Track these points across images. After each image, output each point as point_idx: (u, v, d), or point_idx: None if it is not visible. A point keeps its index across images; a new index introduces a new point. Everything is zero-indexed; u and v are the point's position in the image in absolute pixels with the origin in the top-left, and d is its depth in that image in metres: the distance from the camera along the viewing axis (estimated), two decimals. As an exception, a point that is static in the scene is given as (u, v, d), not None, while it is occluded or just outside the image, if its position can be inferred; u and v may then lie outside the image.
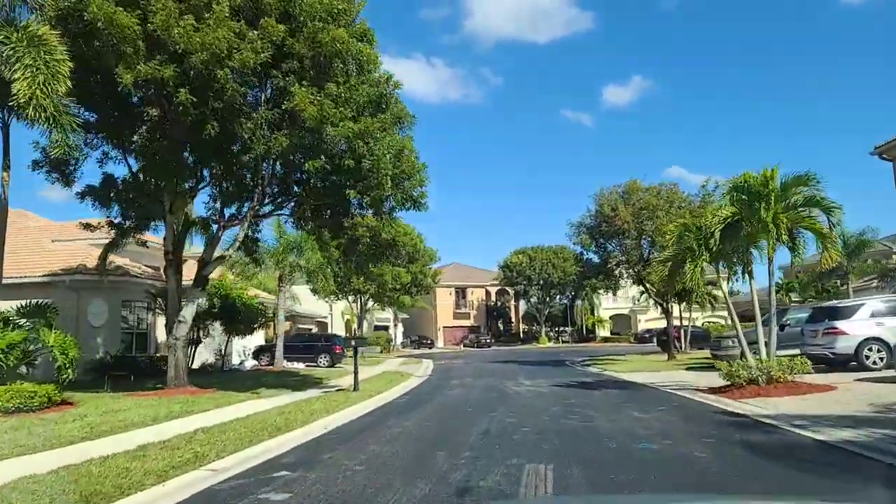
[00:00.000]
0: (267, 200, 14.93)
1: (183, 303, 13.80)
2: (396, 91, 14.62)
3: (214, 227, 15.68)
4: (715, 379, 16.83)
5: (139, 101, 12.05)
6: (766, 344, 14.10)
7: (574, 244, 27.07)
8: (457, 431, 9.01)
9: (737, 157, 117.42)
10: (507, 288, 69.21)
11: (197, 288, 14.19)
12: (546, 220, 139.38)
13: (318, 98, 12.08)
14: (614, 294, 28.71)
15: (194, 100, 10.71)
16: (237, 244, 14.66)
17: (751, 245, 14.36)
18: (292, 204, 15.52)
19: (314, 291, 39.43)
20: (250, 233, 17.92)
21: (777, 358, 13.88)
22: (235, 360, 26.84)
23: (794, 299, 56.67)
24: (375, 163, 12.97)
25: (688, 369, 21.61)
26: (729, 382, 13.82)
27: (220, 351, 23.02)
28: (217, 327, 22.80)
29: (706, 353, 33.62)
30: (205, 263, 14.59)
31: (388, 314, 60.25)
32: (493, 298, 73.70)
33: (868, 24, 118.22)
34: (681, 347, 35.20)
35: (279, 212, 15.93)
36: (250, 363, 26.96)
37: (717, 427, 9.08)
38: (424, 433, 9.02)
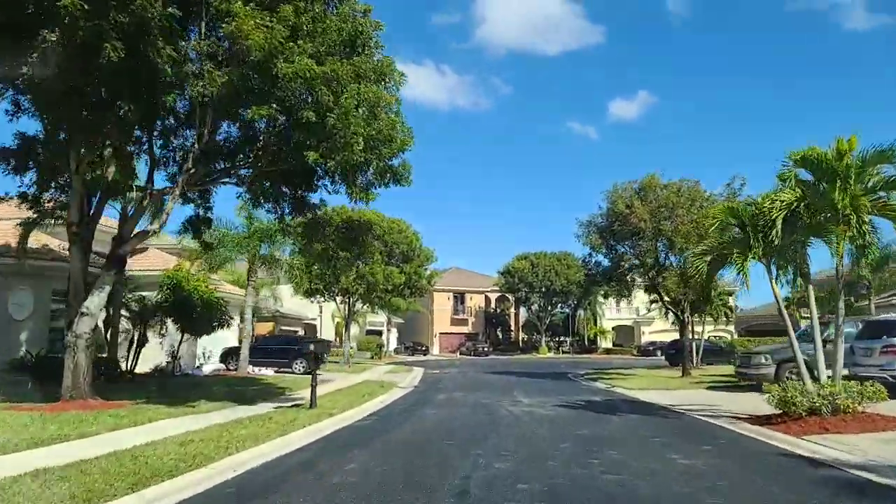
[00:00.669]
0: (212, 165, 11.95)
1: (93, 291, 10.83)
2: (378, 33, 11.65)
3: (153, 197, 12.62)
4: (749, 402, 14.04)
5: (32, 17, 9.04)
6: (818, 362, 11.06)
7: (583, 244, 24.18)
8: (418, 488, 5.99)
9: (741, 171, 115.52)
10: (507, 294, 66.19)
11: (109, 272, 11.21)
12: (549, 229, 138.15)
13: (269, 22, 9.17)
14: (627, 300, 25.86)
15: (84, 6, 7.77)
16: (165, 216, 11.61)
17: (812, 238, 11.36)
18: (243, 172, 12.47)
19: (297, 289, 36.47)
20: (202, 212, 15.01)
21: (843, 383, 10.85)
22: (197, 363, 23.82)
23: (804, 315, 53.41)
24: (342, 117, 10.00)
25: (709, 388, 18.57)
26: (780, 411, 10.84)
27: (173, 352, 20.01)
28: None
29: (721, 369, 30.65)
30: (121, 241, 11.65)
31: (381, 318, 57.28)
32: (493, 305, 70.64)
33: (871, 44, 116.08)
34: (693, 362, 32.14)
35: (226, 179, 12.89)
36: (211, 367, 23.98)
37: (806, 488, 6.09)
38: (366, 488, 6.00)
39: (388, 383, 21.42)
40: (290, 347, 26.67)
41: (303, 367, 26.28)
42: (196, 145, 10.68)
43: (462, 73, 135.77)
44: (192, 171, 10.98)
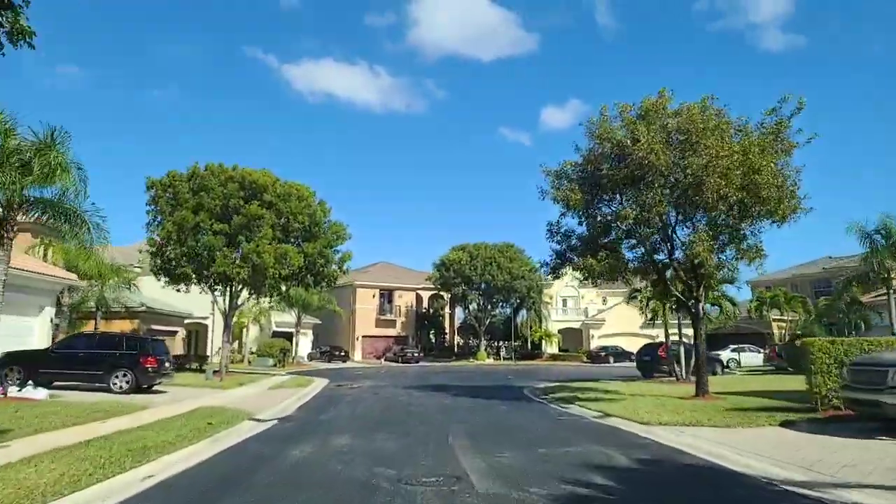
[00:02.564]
0: None
1: None
2: None
3: None
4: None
5: None
6: None
7: (554, 202, 16.07)
8: None
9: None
10: (441, 293, 58.04)
11: None
12: (489, 232, 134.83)
13: None
14: (626, 282, 17.70)
15: None
16: None
17: None
18: None
19: (153, 271, 27.03)
20: None
21: None
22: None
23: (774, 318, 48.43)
24: None
25: (785, 424, 10.67)
26: None
27: None
28: None
29: (726, 381, 23.59)
30: None
31: (292, 318, 47.84)
32: (426, 304, 62.33)
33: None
34: (683, 373, 24.90)
35: None
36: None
37: None
38: None
39: (236, 413, 12.68)
40: (105, 353, 17.33)
41: (127, 382, 17.08)
42: None
43: (396, 76, 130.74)
44: None
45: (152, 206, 26.29)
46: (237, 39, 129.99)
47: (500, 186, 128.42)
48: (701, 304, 16.12)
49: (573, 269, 17.88)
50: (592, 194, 15.95)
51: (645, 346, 30.02)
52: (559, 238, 17.73)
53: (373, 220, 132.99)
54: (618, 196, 15.73)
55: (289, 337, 46.81)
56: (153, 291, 37.77)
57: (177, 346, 37.90)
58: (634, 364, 46.23)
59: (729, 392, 16.90)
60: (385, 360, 53.54)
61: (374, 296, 58.06)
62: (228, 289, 27.48)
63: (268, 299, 34.48)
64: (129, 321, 32.40)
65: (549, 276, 18.16)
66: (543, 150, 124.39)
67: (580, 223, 16.82)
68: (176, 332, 38.29)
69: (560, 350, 57.63)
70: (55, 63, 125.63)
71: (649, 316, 27.94)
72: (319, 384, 24.25)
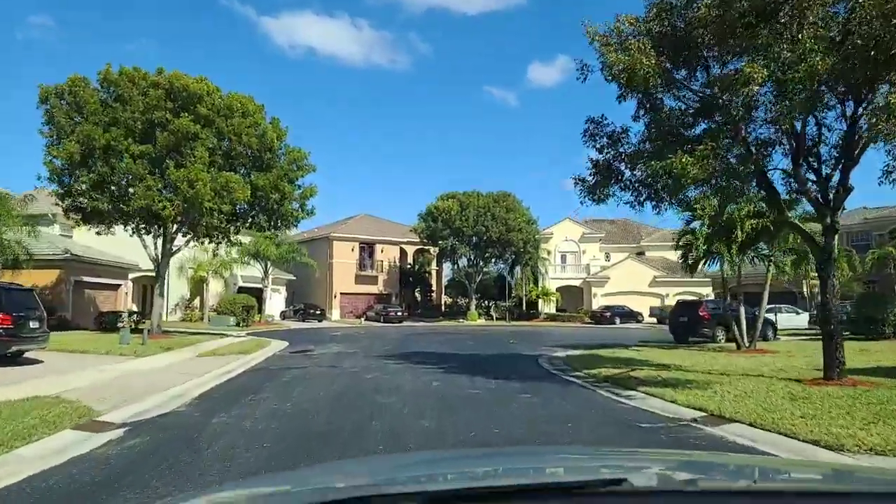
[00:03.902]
0: None
1: None
2: None
3: None
4: None
5: None
6: None
7: (610, 74, 10.20)
8: None
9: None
10: (428, 247, 52.39)
11: None
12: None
13: None
14: (732, 197, 11.49)
15: None
16: None
17: None
18: None
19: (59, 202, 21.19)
20: None
21: None
22: None
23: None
24: None
25: None
26: None
27: None
28: None
29: (788, 344, 18.38)
30: None
31: (259, 272, 41.97)
32: (411, 260, 56.70)
33: None
34: (741, 338, 19.52)
35: None
36: None
37: None
38: None
39: (63, 414, 7.06)
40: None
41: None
42: None
43: (379, 29, 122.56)
44: None
45: (49, 126, 20.09)
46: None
47: (489, 144, 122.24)
48: (836, 237, 10.43)
49: (623, 190, 12.13)
50: (675, 58, 10.14)
51: (680, 303, 24.72)
52: (605, 141, 11.99)
53: (356, 176, 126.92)
54: (724, 56, 9.88)
55: (258, 294, 41.03)
56: (92, 239, 31.87)
57: (119, 302, 32.09)
58: (653, 324, 42.08)
59: (860, 369, 11.46)
60: (365, 319, 48.15)
61: (353, 249, 52.25)
62: (159, 230, 21.58)
63: (223, 246, 28.52)
64: (51, 272, 26.45)
65: (587, 200, 12.47)
66: (530, 109, 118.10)
67: (646, 110, 11.05)
68: (118, 286, 32.43)
69: (558, 310, 52.56)
70: (26, 14, 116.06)
71: (698, 261, 21.32)
72: (271, 350, 18.74)
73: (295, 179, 22.73)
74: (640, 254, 56.06)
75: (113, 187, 19.88)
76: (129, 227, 21.59)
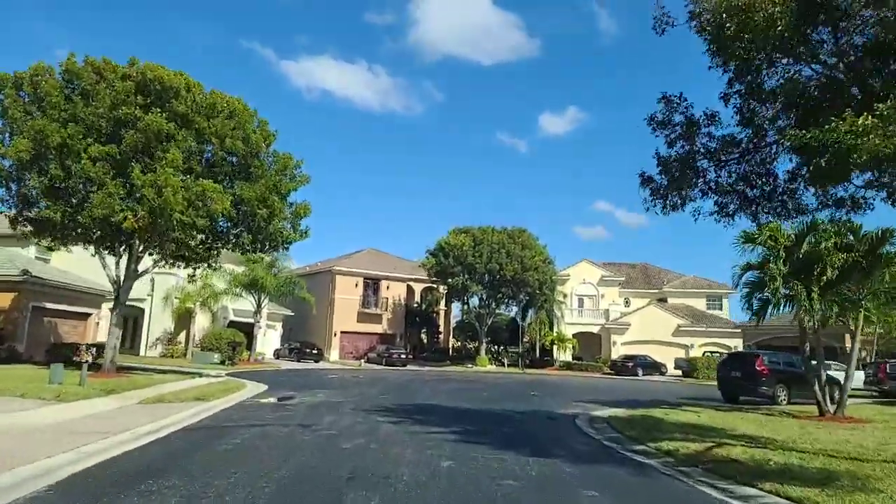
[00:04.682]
0: None
1: None
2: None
3: None
4: None
5: None
6: None
7: (704, 30, 7.13)
8: None
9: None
10: (437, 284, 48.95)
11: None
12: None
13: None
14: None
15: None
16: None
17: None
18: None
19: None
20: None
21: None
22: None
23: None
24: None
25: None
26: None
27: None
28: None
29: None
30: None
31: (251, 304, 38.50)
32: (418, 298, 53.20)
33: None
34: (824, 401, 15.69)
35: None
36: None
37: None
38: None
39: None
40: None
41: None
42: None
43: (395, 76, 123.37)
44: None
45: (1, 121, 17.20)
46: (235, 31, 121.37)
47: (499, 190, 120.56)
48: None
49: (706, 195, 8.78)
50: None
51: (732, 355, 20.98)
52: (680, 129, 8.74)
53: (364, 213, 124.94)
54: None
55: (250, 329, 37.49)
56: (73, 263, 28.75)
57: (88, 334, 28.67)
58: (679, 378, 37.61)
59: None
60: (366, 361, 44.37)
61: (356, 285, 48.84)
62: (122, 246, 18.39)
63: (204, 273, 25.24)
64: (4, 295, 23.19)
65: (656, 206, 9.14)
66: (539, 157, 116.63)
67: (748, 83, 7.82)
68: (88, 316, 29.05)
69: (574, 358, 48.57)
70: (53, 48, 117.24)
71: (765, 306, 17.04)
72: (240, 395, 15.24)
73: (285, 192, 19.56)
74: (662, 300, 52.33)
75: (67, 192, 16.75)
76: (88, 245, 18.41)
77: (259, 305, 36.98)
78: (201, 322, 37.80)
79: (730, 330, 46.30)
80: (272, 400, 14.99)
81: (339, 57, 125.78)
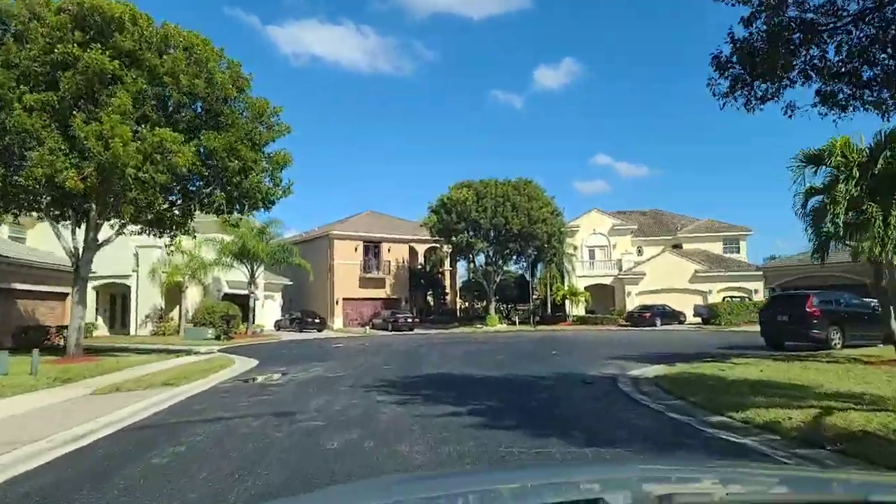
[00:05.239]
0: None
1: None
2: None
3: None
4: None
5: None
6: None
7: None
8: None
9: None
10: (440, 244, 46.68)
11: None
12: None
13: None
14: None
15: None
16: None
17: None
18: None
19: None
20: None
21: None
22: None
23: None
24: None
25: None
26: None
27: None
28: None
29: None
30: None
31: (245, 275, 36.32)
32: (421, 260, 51.01)
33: None
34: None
35: None
36: None
37: None
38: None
39: None
40: None
41: None
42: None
43: (384, 36, 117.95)
44: None
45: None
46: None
47: (497, 146, 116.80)
48: None
49: (818, 75, 6.31)
50: None
51: (777, 297, 18.66)
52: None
53: (361, 177, 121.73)
54: None
55: (246, 301, 35.36)
56: (53, 243, 26.43)
57: (66, 315, 26.54)
58: (699, 326, 35.45)
59: None
60: (371, 327, 42.52)
61: (356, 249, 46.57)
62: (77, 213, 16.04)
63: (182, 240, 22.94)
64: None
65: (736, 99, 6.72)
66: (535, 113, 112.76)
67: None
68: (66, 295, 26.88)
69: (587, 312, 46.55)
70: None
71: (826, 238, 14.31)
72: (221, 376, 13.14)
73: (262, 143, 17.09)
74: (677, 246, 49.91)
75: (6, 153, 14.32)
76: (37, 213, 16.07)
77: (253, 275, 34.78)
78: (194, 296, 35.72)
79: (750, 273, 44.09)
80: (259, 379, 12.85)
81: (325, 20, 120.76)
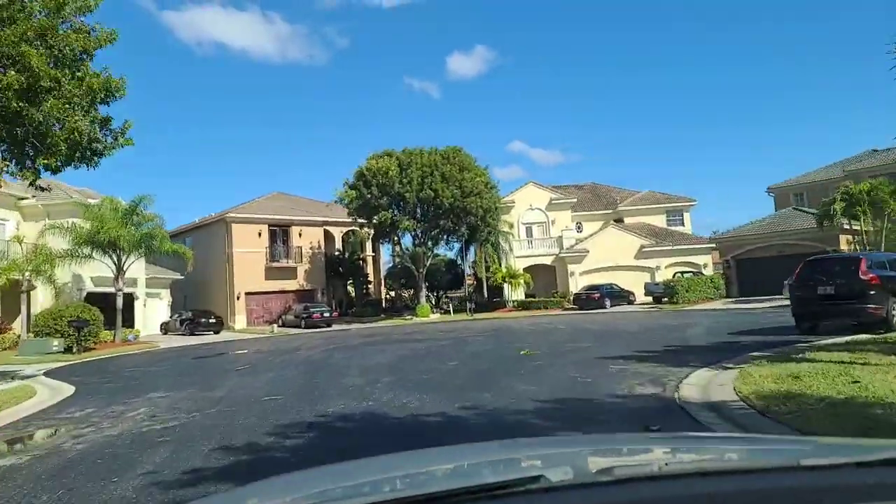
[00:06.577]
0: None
1: None
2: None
3: None
4: None
5: None
6: None
7: None
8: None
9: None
10: (360, 227, 40.47)
11: None
12: None
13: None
14: None
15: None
16: None
17: None
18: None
19: None
20: None
21: None
22: None
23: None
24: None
25: None
26: None
27: None
28: None
29: None
30: None
31: (139, 272, 28.70)
32: (339, 245, 44.61)
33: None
34: None
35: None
36: None
37: None
38: None
39: None
40: None
41: None
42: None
43: (293, 23, 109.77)
44: None
45: None
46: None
47: (411, 135, 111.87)
48: None
49: None
50: None
51: (812, 264, 13.66)
52: None
53: (275, 169, 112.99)
54: None
55: (114, 297, 27.83)
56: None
57: None
58: (651, 305, 31.12)
59: None
60: (281, 325, 35.91)
61: (259, 234, 39.54)
62: None
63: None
64: None
65: None
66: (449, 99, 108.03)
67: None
68: None
69: (527, 296, 41.87)
70: None
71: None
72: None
73: (66, 51, 10.55)
74: (619, 221, 46.21)
75: None
76: None
77: (120, 268, 27.37)
78: (45, 298, 27.99)
79: (700, 246, 40.86)
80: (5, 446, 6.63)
81: (227, 4, 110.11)
